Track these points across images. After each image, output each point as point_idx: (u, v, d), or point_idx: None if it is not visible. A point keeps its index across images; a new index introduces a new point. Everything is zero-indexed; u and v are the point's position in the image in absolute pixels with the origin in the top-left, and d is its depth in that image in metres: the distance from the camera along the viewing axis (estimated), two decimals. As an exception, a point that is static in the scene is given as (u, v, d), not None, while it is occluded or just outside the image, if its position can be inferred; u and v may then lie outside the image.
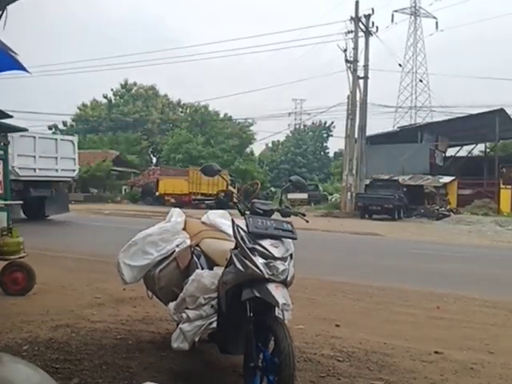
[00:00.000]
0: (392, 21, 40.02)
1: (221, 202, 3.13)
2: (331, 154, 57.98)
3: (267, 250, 2.44)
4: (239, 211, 2.71)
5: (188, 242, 3.22)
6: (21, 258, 4.86)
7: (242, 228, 2.54)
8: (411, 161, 28.99)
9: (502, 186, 26.71)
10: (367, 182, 26.82)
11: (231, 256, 2.58)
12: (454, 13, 49.51)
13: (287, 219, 2.74)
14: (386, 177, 28.57)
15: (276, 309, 2.49)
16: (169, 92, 57.50)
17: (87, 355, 3.14)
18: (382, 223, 20.36)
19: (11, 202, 5.11)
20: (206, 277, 2.78)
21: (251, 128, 41.70)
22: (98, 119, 47.89)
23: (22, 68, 3.40)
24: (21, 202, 6.05)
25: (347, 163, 26.21)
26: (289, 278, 2.46)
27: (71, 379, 2.76)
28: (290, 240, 2.57)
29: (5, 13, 2.64)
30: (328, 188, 43.93)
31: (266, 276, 2.38)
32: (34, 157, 13.17)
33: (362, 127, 26.54)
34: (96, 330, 3.71)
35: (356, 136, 26.35)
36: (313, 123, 58.12)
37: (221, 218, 3.39)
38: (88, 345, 3.34)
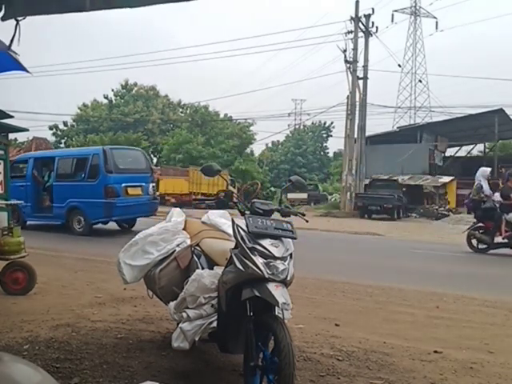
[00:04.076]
0: (392, 21, 40.07)
1: (221, 201, 3.11)
2: (331, 154, 58.05)
3: (267, 250, 2.45)
4: (239, 211, 2.72)
5: (188, 241, 3.23)
6: (21, 257, 4.86)
7: (241, 228, 2.55)
8: (410, 161, 29.00)
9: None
10: (367, 181, 26.86)
11: (231, 256, 2.59)
12: (454, 13, 49.60)
13: (287, 219, 2.75)
14: (386, 177, 28.61)
15: (276, 308, 2.50)
16: (169, 92, 57.52)
17: (88, 354, 3.15)
18: (382, 223, 20.36)
19: (12, 202, 5.12)
20: (206, 276, 2.79)
21: (251, 128, 41.69)
22: (99, 119, 47.91)
23: (23, 68, 3.40)
24: (21, 202, 6.03)
25: (347, 163, 26.21)
26: (289, 278, 2.47)
27: (72, 378, 2.77)
28: (289, 240, 2.58)
29: (18, 27, 2.65)
30: (327, 188, 43.97)
31: (266, 275, 2.39)
32: None
33: (362, 127, 26.55)
34: (96, 329, 3.72)
35: (355, 136, 26.36)
36: (312, 123, 58.20)
37: (221, 218, 3.40)
38: (88, 344, 3.34)
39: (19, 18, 2.65)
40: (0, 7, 2.59)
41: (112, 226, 11.89)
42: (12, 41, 2.76)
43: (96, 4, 2.42)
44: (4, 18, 2.64)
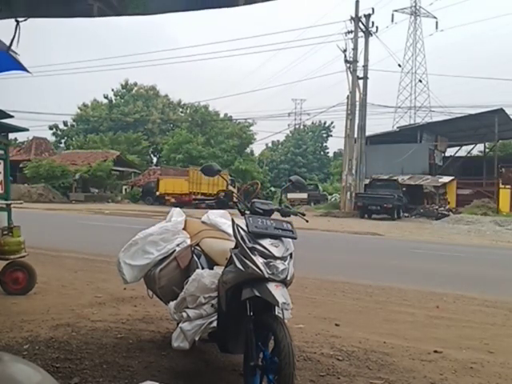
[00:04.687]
0: (392, 21, 40.14)
1: (221, 201, 3.10)
2: (331, 154, 58.10)
3: (267, 250, 2.45)
4: (239, 211, 2.72)
5: (188, 241, 3.22)
6: (22, 257, 4.86)
7: (241, 227, 2.55)
8: (410, 161, 29.02)
9: (501, 185, 26.75)
10: (367, 181, 26.86)
11: (231, 255, 2.59)
12: (454, 13, 49.64)
13: (287, 219, 2.75)
14: (386, 177, 28.62)
15: (276, 308, 2.50)
16: (169, 92, 57.52)
17: (88, 354, 3.14)
18: (382, 223, 20.37)
19: (12, 202, 5.11)
20: (206, 276, 2.79)
21: (251, 128, 41.70)
22: (99, 119, 47.94)
23: (23, 68, 3.41)
24: (21, 201, 6.04)
25: (347, 163, 26.22)
26: (289, 278, 2.46)
27: (72, 378, 2.76)
28: (289, 239, 2.58)
29: (18, 28, 2.65)
30: (327, 188, 43.97)
31: (266, 275, 2.38)
32: None
33: (362, 127, 26.56)
34: (96, 329, 3.72)
35: (356, 136, 26.38)
36: (312, 123, 58.20)
37: (221, 218, 3.40)
38: (88, 344, 3.34)
39: (20, 19, 2.64)
40: None
41: (112, 225, 11.88)
42: (12, 41, 2.75)
43: (104, 10, 2.41)
44: (1, 17, 2.63)
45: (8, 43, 2.81)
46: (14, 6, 2.55)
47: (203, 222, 3.44)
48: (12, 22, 2.65)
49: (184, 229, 3.35)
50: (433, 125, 32.65)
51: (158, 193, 30.57)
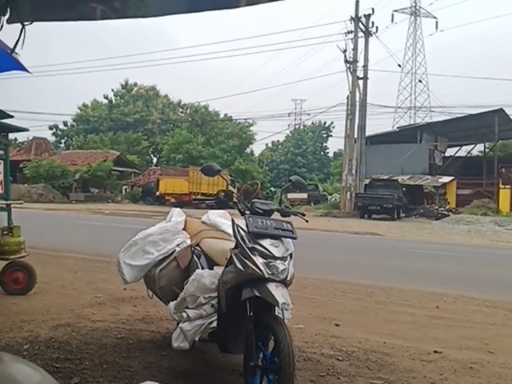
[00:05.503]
0: (392, 21, 40.17)
1: (221, 201, 3.10)
2: (331, 154, 58.15)
3: (267, 250, 2.45)
4: (239, 211, 2.72)
5: (188, 241, 3.22)
6: (21, 257, 4.85)
7: (241, 228, 2.55)
8: (410, 161, 29.03)
9: (501, 185, 26.78)
10: (367, 181, 26.88)
11: (231, 256, 2.59)
12: (454, 13, 49.67)
13: (287, 219, 2.75)
14: (386, 177, 28.63)
15: (276, 308, 2.50)
16: (169, 92, 57.54)
17: (88, 354, 3.14)
18: (382, 223, 20.38)
19: (12, 202, 5.11)
20: (206, 276, 2.79)
21: (251, 128, 41.72)
22: (99, 119, 47.95)
23: (23, 68, 3.40)
24: (21, 201, 6.04)
25: (347, 163, 26.23)
26: (289, 278, 2.46)
27: (72, 378, 2.76)
28: (289, 240, 2.58)
29: (23, 32, 2.65)
30: (327, 188, 44.01)
31: (266, 275, 2.38)
32: None
33: (362, 127, 26.58)
34: (96, 329, 3.72)
35: (355, 136, 26.39)
36: (312, 123, 58.23)
37: (221, 218, 3.40)
38: (88, 344, 3.34)
39: (26, 23, 2.65)
40: (5, 10, 2.59)
41: (112, 226, 11.88)
42: (16, 44, 2.76)
43: (107, 13, 2.42)
44: (9, 21, 2.63)
45: (12, 46, 2.81)
46: (21, 10, 2.56)
47: (203, 222, 3.44)
48: (15, 24, 2.66)
49: (184, 229, 3.35)
50: (433, 125, 32.65)
51: (158, 193, 30.58)
